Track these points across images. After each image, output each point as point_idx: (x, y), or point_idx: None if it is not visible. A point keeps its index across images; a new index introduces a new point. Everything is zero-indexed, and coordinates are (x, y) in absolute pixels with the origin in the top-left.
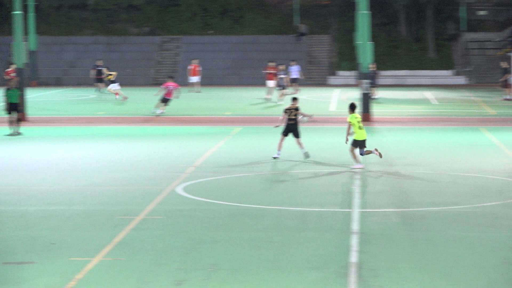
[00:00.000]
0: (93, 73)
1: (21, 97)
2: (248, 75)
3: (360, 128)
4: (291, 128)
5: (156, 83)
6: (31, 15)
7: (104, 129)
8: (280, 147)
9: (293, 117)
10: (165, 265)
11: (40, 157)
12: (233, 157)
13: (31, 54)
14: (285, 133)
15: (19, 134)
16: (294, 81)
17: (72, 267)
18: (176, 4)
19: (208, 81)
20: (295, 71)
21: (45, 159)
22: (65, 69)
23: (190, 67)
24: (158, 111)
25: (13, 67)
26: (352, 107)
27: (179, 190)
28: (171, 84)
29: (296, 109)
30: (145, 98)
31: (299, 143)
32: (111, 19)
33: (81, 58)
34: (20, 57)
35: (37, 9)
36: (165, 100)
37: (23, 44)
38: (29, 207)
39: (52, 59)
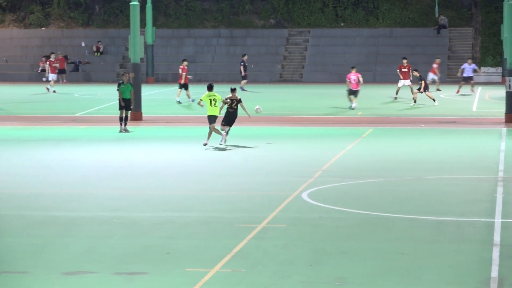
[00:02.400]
0: (241, 69)
1: (136, 93)
2: (382, 72)
3: None
4: (230, 117)
5: (282, 80)
6: (149, 7)
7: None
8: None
9: (235, 107)
10: (288, 278)
11: (155, 159)
12: (363, 161)
13: (148, 48)
14: (224, 123)
15: (126, 131)
16: (466, 79)
17: (188, 278)
18: None
19: (338, 77)
20: (469, 70)
21: (161, 161)
22: None
23: None
24: (353, 105)
25: (185, 64)
26: None
27: (304, 196)
28: (353, 74)
29: (239, 100)
30: (272, 96)
31: (226, 132)
32: (235, 11)
33: (201, 53)
34: (136, 52)
35: (156, 0)
36: (352, 92)
37: (140, 37)
38: (143, 213)
39: (170, 54)
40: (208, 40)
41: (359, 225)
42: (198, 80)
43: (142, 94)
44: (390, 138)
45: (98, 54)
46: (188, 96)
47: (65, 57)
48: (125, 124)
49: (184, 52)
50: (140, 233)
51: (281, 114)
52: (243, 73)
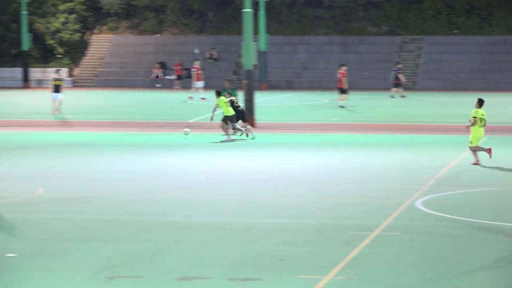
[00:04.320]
0: (392, 76)
1: (249, 100)
2: (496, 79)
3: None
4: (239, 114)
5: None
6: (262, 13)
7: (337, 137)
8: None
9: (237, 105)
10: (401, 287)
11: (269, 165)
12: (479, 169)
13: (261, 55)
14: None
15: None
16: None
17: (301, 285)
18: (418, 1)
19: (451, 85)
20: None
21: (274, 168)
22: (297, 71)
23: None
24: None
25: (344, 69)
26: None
27: (418, 204)
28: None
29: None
30: (385, 103)
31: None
32: (348, 18)
33: (314, 60)
34: (249, 58)
35: (268, 6)
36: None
37: (253, 44)
38: (257, 219)
39: (283, 61)
40: (321, 47)
41: (474, 234)
42: (311, 87)
43: (255, 101)
44: (506, 146)
45: (212, 60)
46: (342, 100)
47: (180, 64)
48: (234, 128)
49: (297, 59)
50: (254, 239)
51: (393, 122)
52: (401, 80)
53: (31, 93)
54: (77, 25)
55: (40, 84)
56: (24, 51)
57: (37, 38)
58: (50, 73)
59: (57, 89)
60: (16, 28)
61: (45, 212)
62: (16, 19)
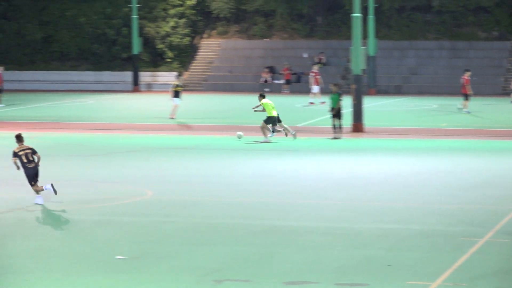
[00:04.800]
0: None
1: (358, 105)
2: None
3: None
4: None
5: (505, 92)
6: (371, 18)
7: (447, 142)
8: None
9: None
10: None
11: (377, 171)
12: None
13: (370, 59)
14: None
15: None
16: None
17: None
18: None
19: None
20: None
21: (382, 173)
22: (406, 76)
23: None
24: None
25: (468, 74)
26: None
27: None
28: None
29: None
30: (494, 109)
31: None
32: (457, 22)
33: (423, 65)
34: (358, 63)
35: (378, 11)
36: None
37: (362, 49)
38: (364, 224)
39: (392, 66)
40: (430, 52)
41: None
42: (420, 92)
43: (364, 106)
44: None
45: (321, 65)
46: (465, 107)
47: (289, 68)
48: (338, 132)
49: (406, 64)
50: (361, 244)
51: (500, 128)
52: None
53: (140, 97)
54: (186, 30)
55: (149, 88)
56: (135, 55)
57: (147, 42)
58: (160, 77)
59: (176, 94)
60: (127, 32)
61: (154, 215)
62: (127, 23)
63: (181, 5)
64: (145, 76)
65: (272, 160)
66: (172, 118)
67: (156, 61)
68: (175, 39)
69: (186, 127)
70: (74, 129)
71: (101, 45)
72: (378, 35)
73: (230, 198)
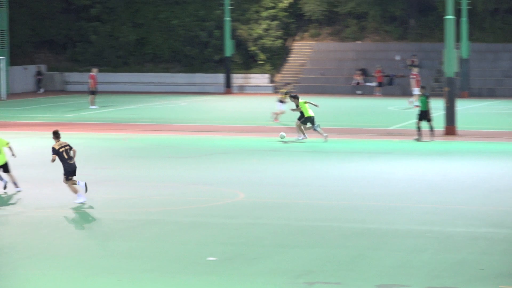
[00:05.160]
0: None
1: (450, 107)
2: None
3: None
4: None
5: None
6: (464, 21)
7: None
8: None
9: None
10: None
11: (469, 174)
12: None
13: (463, 62)
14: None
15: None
16: None
17: None
18: None
19: None
20: None
21: (474, 176)
22: (500, 79)
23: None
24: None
25: None
26: None
27: None
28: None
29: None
30: None
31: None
32: None
33: None
34: (451, 66)
35: (471, 14)
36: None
37: (455, 51)
38: (456, 228)
39: (486, 68)
40: None
41: None
42: None
43: (457, 108)
44: None
45: (413, 67)
46: None
47: (381, 71)
48: (430, 135)
49: (500, 66)
50: (453, 248)
51: None
52: None
53: (233, 99)
54: (279, 32)
55: (241, 90)
56: (227, 57)
57: (240, 44)
58: (252, 79)
59: (282, 100)
60: (219, 35)
61: (246, 217)
62: (220, 26)
63: (273, 8)
64: (237, 78)
65: (364, 162)
66: (276, 121)
67: (248, 63)
68: (267, 41)
69: (279, 129)
70: (167, 131)
71: (193, 47)
72: (471, 38)
73: (322, 200)
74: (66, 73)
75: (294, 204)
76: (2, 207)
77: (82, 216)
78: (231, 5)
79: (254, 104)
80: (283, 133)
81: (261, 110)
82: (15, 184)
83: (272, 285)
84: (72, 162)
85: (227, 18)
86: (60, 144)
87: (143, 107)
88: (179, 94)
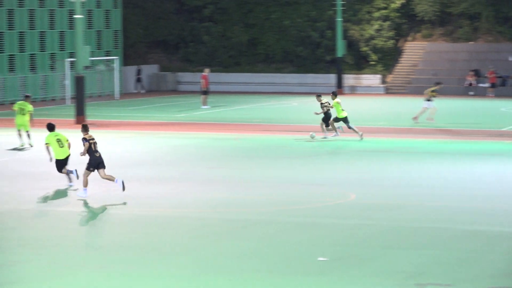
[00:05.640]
0: None
1: None
2: None
3: None
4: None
5: None
6: None
7: None
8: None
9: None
10: None
11: None
12: None
13: None
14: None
15: None
16: None
17: None
18: None
19: None
20: None
21: None
22: None
23: None
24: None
25: None
26: None
27: None
28: None
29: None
30: None
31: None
32: None
33: None
34: None
35: None
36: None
37: None
38: None
39: None
40: None
41: None
42: None
43: None
44: None
45: None
46: None
47: (494, 72)
48: None
49: None
50: None
51: None
52: None
53: (344, 99)
54: (391, 32)
55: (353, 90)
56: (339, 57)
57: (351, 44)
58: (364, 79)
59: (429, 98)
60: (331, 35)
61: (356, 217)
62: (331, 26)
63: (385, 8)
64: (349, 79)
65: (475, 164)
66: (430, 121)
67: (360, 63)
68: (379, 42)
69: (390, 130)
70: (278, 131)
71: (305, 48)
72: None
73: (433, 202)
74: (179, 73)
75: (405, 205)
76: (114, 206)
77: (193, 216)
78: (343, 5)
79: (365, 104)
80: (312, 133)
81: (372, 111)
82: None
83: (382, 287)
84: (98, 155)
85: (339, 19)
86: (90, 136)
87: (255, 107)
88: (291, 94)
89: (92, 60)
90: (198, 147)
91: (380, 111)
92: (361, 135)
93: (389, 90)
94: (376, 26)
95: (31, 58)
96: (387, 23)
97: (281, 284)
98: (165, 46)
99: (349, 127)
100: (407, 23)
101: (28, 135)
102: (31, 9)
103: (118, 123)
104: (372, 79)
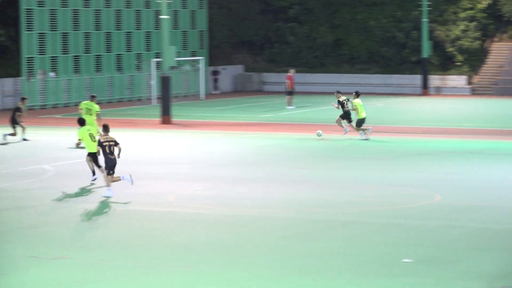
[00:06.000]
0: None
1: None
2: None
3: None
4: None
5: None
6: None
7: None
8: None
9: (346, 105)
10: None
11: None
12: None
13: None
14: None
15: None
16: None
17: None
18: None
19: None
20: None
21: None
22: None
23: None
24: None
25: None
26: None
27: None
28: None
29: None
30: None
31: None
32: None
33: None
34: None
35: None
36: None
37: None
38: None
39: None
40: None
41: None
42: None
43: None
44: None
45: None
46: None
47: None
48: None
49: None
50: None
51: None
52: None
53: (429, 100)
54: (477, 33)
55: (438, 91)
56: (424, 58)
57: (437, 45)
58: (449, 80)
59: None
60: (417, 36)
61: (441, 219)
62: (417, 27)
63: (471, 9)
64: (434, 80)
65: None
66: None
67: (446, 64)
68: (465, 43)
69: (477, 132)
70: None
71: (390, 49)
72: None
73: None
74: (264, 74)
75: (490, 207)
76: (199, 206)
77: (278, 216)
78: (429, 6)
79: (451, 106)
80: (319, 131)
81: (458, 112)
82: (93, 172)
83: None
84: (113, 157)
85: (425, 19)
86: (106, 138)
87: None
88: (375, 95)
89: (178, 60)
90: (283, 147)
91: (466, 112)
92: (367, 138)
93: (475, 91)
94: (462, 27)
95: (117, 59)
96: (473, 23)
97: (365, 284)
98: (250, 47)
99: (356, 127)
100: (494, 23)
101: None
102: (117, 10)
103: (203, 123)
104: (458, 80)
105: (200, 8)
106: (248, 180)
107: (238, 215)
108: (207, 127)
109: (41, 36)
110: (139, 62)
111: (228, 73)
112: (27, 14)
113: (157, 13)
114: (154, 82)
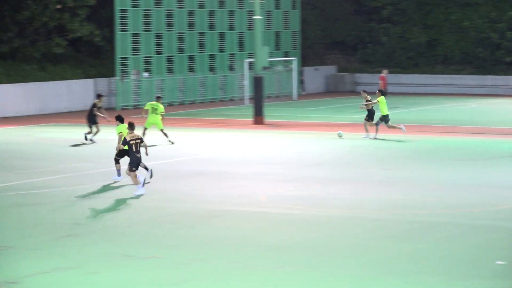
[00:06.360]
0: None
1: None
2: None
3: None
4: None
5: None
6: None
7: None
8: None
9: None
10: None
11: None
12: None
13: None
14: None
15: None
16: None
17: None
18: None
19: None
20: None
21: None
22: None
23: None
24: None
25: None
26: None
27: None
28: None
29: None
30: None
31: None
32: None
33: None
34: None
35: None
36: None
37: None
38: None
39: None
40: None
41: None
42: None
43: None
44: None
45: None
46: None
47: None
48: None
49: None
50: None
51: None
52: None
53: None
54: None
55: None
56: None
57: None
58: None
59: None
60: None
61: None
62: None
63: None
64: None
65: None
66: None
67: None
68: None
69: None
70: (456, 132)
71: (484, 49)
72: None
73: None
74: (356, 74)
75: None
76: (289, 206)
77: (368, 217)
78: None
79: None
80: (340, 132)
81: None
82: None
83: None
84: (139, 155)
85: None
86: (132, 136)
87: (433, 108)
88: (469, 96)
89: (271, 60)
90: (375, 147)
91: None
92: (373, 136)
93: None
94: None
95: (210, 59)
96: None
97: (457, 286)
98: (343, 47)
99: (384, 124)
100: None
101: (165, 134)
102: (211, 10)
103: (295, 124)
104: None
105: (293, 9)
106: (338, 180)
107: (329, 215)
108: (299, 127)
109: (135, 36)
110: (232, 62)
111: (321, 74)
112: (122, 14)
113: (250, 13)
114: (246, 83)
